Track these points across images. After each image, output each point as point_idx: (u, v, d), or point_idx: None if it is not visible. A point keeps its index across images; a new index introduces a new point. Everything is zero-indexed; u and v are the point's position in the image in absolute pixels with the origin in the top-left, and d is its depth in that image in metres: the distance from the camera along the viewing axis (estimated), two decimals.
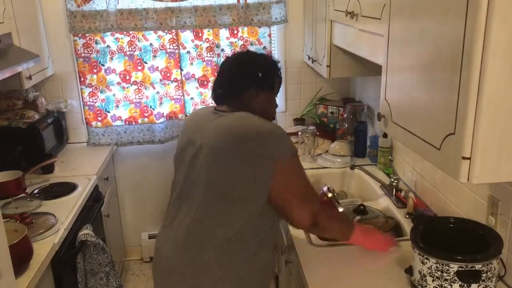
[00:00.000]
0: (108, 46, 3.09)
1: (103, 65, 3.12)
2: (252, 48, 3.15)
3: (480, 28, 1.01)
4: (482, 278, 1.38)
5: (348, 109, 3.00)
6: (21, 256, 1.74)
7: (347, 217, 1.86)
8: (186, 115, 3.24)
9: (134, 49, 3.10)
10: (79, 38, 3.05)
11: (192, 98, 3.22)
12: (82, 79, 3.12)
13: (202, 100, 3.22)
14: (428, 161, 1.30)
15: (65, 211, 2.27)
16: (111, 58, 3.12)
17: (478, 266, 1.36)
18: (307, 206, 1.59)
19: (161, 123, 3.23)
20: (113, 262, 2.39)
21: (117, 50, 3.10)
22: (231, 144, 1.57)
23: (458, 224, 1.57)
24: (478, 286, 1.38)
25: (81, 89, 3.15)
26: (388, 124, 1.56)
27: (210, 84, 3.18)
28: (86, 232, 2.26)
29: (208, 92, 3.20)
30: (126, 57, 3.11)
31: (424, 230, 1.54)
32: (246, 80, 1.70)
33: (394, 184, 2.24)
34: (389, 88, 1.55)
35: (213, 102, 1.81)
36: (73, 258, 2.17)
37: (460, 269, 1.37)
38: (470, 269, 1.37)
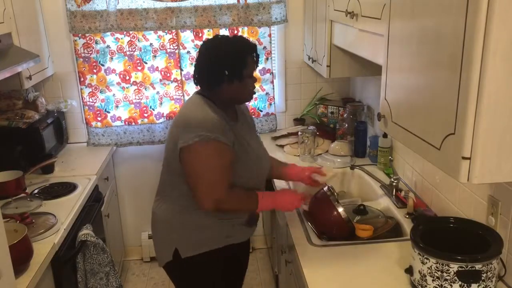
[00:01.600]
0: (108, 46, 3.09)
1: (103, 65, 3.12)
2: None
3: (480, 28, 1.01)
4: (482, 278, 1.38)
5: (348, 109, 3.00)
6: (21, 256, 1.74)
7: (249, 194, 1.88)
8: None
9: (134, 49, 3.10)
10: (79, 38, 3.05)
11: None
12: (82, 79, 3.12)
13: None
14: (428, 161, 1.30)
15: (65, 211, 2.27)
16: (111, 58, 3.12)
17: (478, 266, 1.36)
18: (208, 194, 1.77)
19: (161, 123, 3.23)
20: (113, 262, 2.39)
21: (117, 50, 3.10)
22: (172, 126, 1.88)
23: (458, 224, 1.58)
24: (478, 286, 1.39)
25: (81, 89, 3.15)
26: (388, 124, 1.56)
27: None
28: (86, 232, 2.26)
29: None
30: (126, 57, 3.11)
31: (424, 230, 1.54)
32: (215, 79, 1.83)
33: (394, 184, 2.24)
34: (389, 88, 1.55)
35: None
36: (73, 258, 2.17)
37: (460, 269, 1.38)
38: (470, 269, 1.37)
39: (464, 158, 1.10)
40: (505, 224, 1.55)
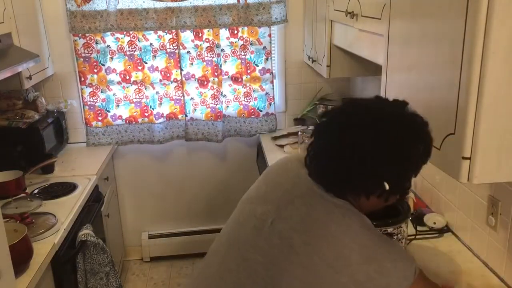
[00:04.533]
0: (108, 46, 3.09)
1: (103, 65, 3.12)
2: (252, 49, 3.15)
3: (480, 28, 1.01)
4: (394, 240, 1.51)
5: None
6: (21, 256, 1.74)
7: None
8: (186, 116, 3.24)
9: (134, 49, 3.10)
10: (79, 38, 3.05)
11: (192, 98, 3.22)
12: (83, 79, 3.12)
13: (202, 100, 3.22)
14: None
15: (65, 211, 2.27)
16: (111, 58, 3.12)
17: (390, 230, 1.49)
18: None
19: (160, 123, 3.23)
20: (113, 262, 2.39)
21: (117, 50, 3.10)
22: (326, 263, 1.07)
23: None
24: None
25: (82, 89, 3.15)
26: None
27: (210, 84, 3.19)
28: (86, 232, 2.26)
29: (208, 92, 3.20)
30: (126, 57, 3.11)
31: None
32: (363, 187, 1.13)
33: None
34: (389, 88, 1.55)
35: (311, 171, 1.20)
36: (73, 258, 2.17)
37: None
38: (383, 232, 1.49)
39: (464, 158, 1.10)
40: (505, 224, 1.55)
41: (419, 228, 1.87)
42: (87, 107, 3.18)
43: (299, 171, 1.22)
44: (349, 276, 1.05)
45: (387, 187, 1.10)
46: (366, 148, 1.08)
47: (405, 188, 1.17)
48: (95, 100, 3.17)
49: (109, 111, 3.21)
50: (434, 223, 1.94)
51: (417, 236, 1.82)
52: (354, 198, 1.14)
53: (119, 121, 3.23)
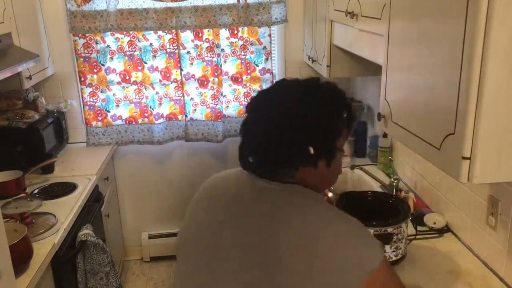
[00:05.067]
0: (108, 46, 3.09)
1: (103, 65, 3.12)
2: (252, 49, 3.15)
3: (480, 28, 1.01)
4: (394, 239, 1.58)
5: None
6: (21, 256, 1.74)
7: None
8: (186, 116, 3.24)
9: (134, 49, 3.10)
10: (79, 38, 3.05)
11: (192, 99, 3.22)
12: (83, 79, 3.12)
13: (202, 100, 3.22)
14: (428, 161, 1.30)
15: (65, 211, 2.27)
16: (111, 58, 3.12)
17: (389, 230, 1.55)
18: None
19: (160, 123, 3.23)
20: (113, 262, 2.39)
21: (117, 50, 3.10)
22: (291, 254, 1.01)
23: (374, 197, 1.77)
24: (391, 247, 1.58)
25: (81, 89, 3.15)
26: (388, 124, 1.56)
27: (210, 84, 3.18)
28: (86, 232, 2.26)
29: (208, 92, 3.20)
30: (126, 57, 3.11)
31: (347, 205, 1.65)
32: (289, 159, 1.13)
33: (394, 184, 2.24)
34: (389, 88, 1.55)
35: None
36: (73, 258, 2.17)
37: (375, 233, 1.56)
38: (383, 232, 1.55)
39: (464, 158, 1.10)
40: (505, 224, 1.55)
41: (419, 228, 1.87)
42: (87, 107, 3.18)
43: (238, 180, 1.25)
44: (313, 256, 1.00)
45: (311, 151, 1.10)
46: (286, 114, 1.12)
47: (331, 150, 1.18)
48: (95, 100, 3.17)
49: (109, 111, 3.21)
50: (434, 223, 1.94)
51: (417, 236, 1.82)
52: (291, 176, 1.14)
53: (119, 121, 3.23)
